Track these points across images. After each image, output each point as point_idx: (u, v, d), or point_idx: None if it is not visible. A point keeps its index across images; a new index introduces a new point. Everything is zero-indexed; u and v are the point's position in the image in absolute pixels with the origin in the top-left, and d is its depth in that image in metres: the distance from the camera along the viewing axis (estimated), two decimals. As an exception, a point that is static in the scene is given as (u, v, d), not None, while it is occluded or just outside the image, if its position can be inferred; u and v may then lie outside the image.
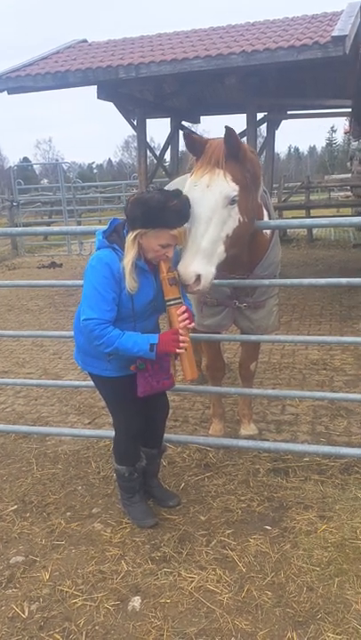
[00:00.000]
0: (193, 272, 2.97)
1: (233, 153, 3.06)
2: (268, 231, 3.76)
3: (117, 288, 2.87)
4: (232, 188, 3.05)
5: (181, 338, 2.93)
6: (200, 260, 2.99)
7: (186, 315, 2.98)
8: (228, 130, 3.00)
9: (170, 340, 2.91)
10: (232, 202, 3.07)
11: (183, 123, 12.59)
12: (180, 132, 12.52)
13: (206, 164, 3.08)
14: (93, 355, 3.09)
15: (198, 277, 2.99)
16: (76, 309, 3.16)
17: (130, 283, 2.84)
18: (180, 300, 3.00)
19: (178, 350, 2.94)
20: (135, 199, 2.84)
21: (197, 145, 3.15)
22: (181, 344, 2.93)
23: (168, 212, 2.77)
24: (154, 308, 3.08)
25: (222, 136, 3.06)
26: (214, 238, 3.05)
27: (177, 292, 2.98)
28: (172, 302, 2.97)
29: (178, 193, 2.89)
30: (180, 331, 2.94)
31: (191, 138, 3.17)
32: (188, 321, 2.98)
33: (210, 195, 3.03)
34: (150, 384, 3.06)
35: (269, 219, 3.75)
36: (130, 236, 2.84)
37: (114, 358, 3.03)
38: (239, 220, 3.15)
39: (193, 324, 3.05)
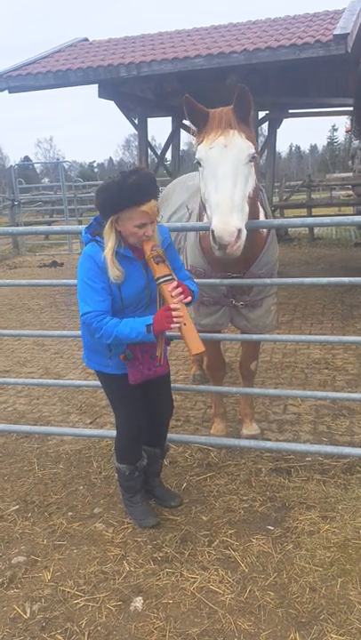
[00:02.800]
0: (234, 227, 2.86)
1: (243, 115, 3.04)
2: (265, 229, 3.74)
3: (105, 278, 2.87)
4: (250, 145, 3.03)
5: (175, 313, 2.81)
6: (237, 215, 2.91)
7: (179, 289, 2.88)
8: (243, 88, 2.96)
9: (162, 317, 2.82)
10: (251, 159, 3.04)
11: (184, 122, 12.57)
12: (181, 131, 12.55)
13: (217, 127, 3.03)
14: (96, 351, 3.11)
15: (239, 232, 2.88)
16: None
17: (112, 272, 2.83)
18: (170, 277, 2.91)
19: (172, 326, 2.82)
20: (99, 188, 2.85)
21: (199, 113, 3.11)
22: (175, 319, 2.82)
23: (129, 190, 2.73)
24: (150, 297, 3.03)
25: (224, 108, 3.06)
26: (243, 194, 3.00)
27: (165, 270, 2.91)
28: (161, 280, 2.89)
29: (136, 169, 2.85)
30: (174, 305, 2.83)
31: (193, 104, 3.10)
32: (182, 295, 2.88)
33: (230, 153, 2.98)
34: (141, 372, 3.06)
35: (265, 217, 3.73)
36: (105, 226, 2.85)
37: (114, 355, 3.03)
38: (255, 181, 3.12)
39: (189, 298, 2.93)
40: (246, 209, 3.05)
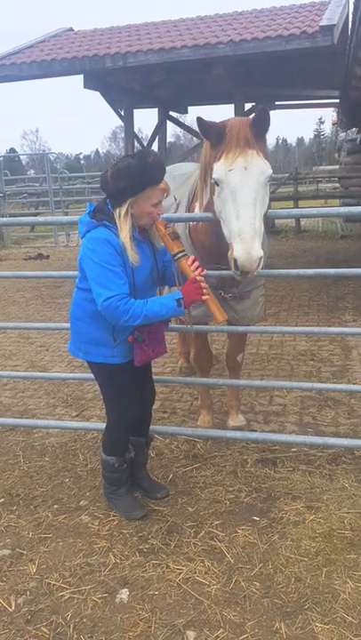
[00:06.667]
0: (257, 256, 2.88)
1: (262, 132, 3.01)
2: None
3: (122, 261, 2.86)
4: (268, 166, 3.00)
5: (202, 285, 2.94)
6: (258, 243, 2.92)
7: (197, 263, 2.99)
8: (264, 110, 2.95)
9: (192, 289, 2.92)
10: (268, 179, 3.02)
11: (171, 113, 12.51)
12: (168, 123, 12.48)
13: (235, 145, 2.97)
14: (98, 343, 3.05)
15: (260, 260, 2.93)
16: (71, 299, 3.15)
17: (132, 256, 2.85)
18: (185, 252, 3.01)
19: (203, 297, 2.94)
20: (114, 172, 2.81)
21: (214, 130, 3.04)
22: (204, 290, 2.94)
23: (151, 169, 2.78)
24: (153, 279, 3.10)
25: (235, 117, 3.06)
26: (261, 217, 3.00)
27: (180, 245, 3.00)
28: (179, 255, 2.99)
29: (146, 150, 2.93)
30: (199, 278, 2.95)
31: (206, 123, 3.06)
32: (200, 269, 2.99)
33: (250, 176, 2.94)
34: (147, 353, 3.09)
35: None
36: (120, 210, 2.84)
37: (119, 343, 3.03)
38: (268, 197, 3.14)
39: (205, 271, 3.04)
40: (263, 229, 3.05)
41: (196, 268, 2.97)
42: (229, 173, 2.94)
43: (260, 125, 2.98)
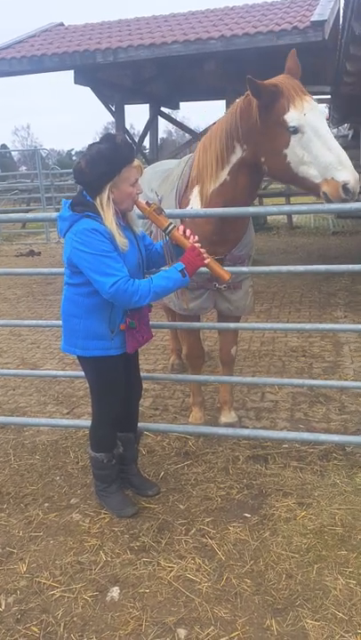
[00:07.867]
0: (358, 176, 3.10)
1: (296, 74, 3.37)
2: None
3: (113, 248, 2.85)
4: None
5: (202, 250, 2.99)
6: None
7: (188, 230, 3.06)
8: (294, 58, 3.35)
9: (193, 256, 2.97)
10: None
11: (163, 109, 12.47)
12: (160, 118, 12.43)
13: (296, 95, 3.23)
14: (95, 336, 3.01)
15: None
16: (61, 297, 3.12)
17: (121, 241, 2.85)
18: (174, 224, 3.07)
19: (206, 261, 2.99)
20: (88, 161, 2.82)
21: (266, 89, 3.21)
22: (204, 255, 2.99)
23: (122, 148, 2.83)
24: (139, 265, 3.10)
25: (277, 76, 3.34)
26: None
27: (167, 219, 3.06)
28: (170, 228, 3.04)
29: (112, 133, 3.02)
30: (196, 244, 3.00)
31: (258, 83, 3.21)
32: (193, 236, 3.05)
33: (321, 115, 3.27)
34: (137, 340, 3.13)
35: None
36: (102, 198, 2.84)
37: (116, 335, 3.02)
38: None
39: (197, 237, 3.08)
40: None
41: (190, 235, 3.04)
42: (305, 117, 3.18)
43: (297, 74, 3.35)
